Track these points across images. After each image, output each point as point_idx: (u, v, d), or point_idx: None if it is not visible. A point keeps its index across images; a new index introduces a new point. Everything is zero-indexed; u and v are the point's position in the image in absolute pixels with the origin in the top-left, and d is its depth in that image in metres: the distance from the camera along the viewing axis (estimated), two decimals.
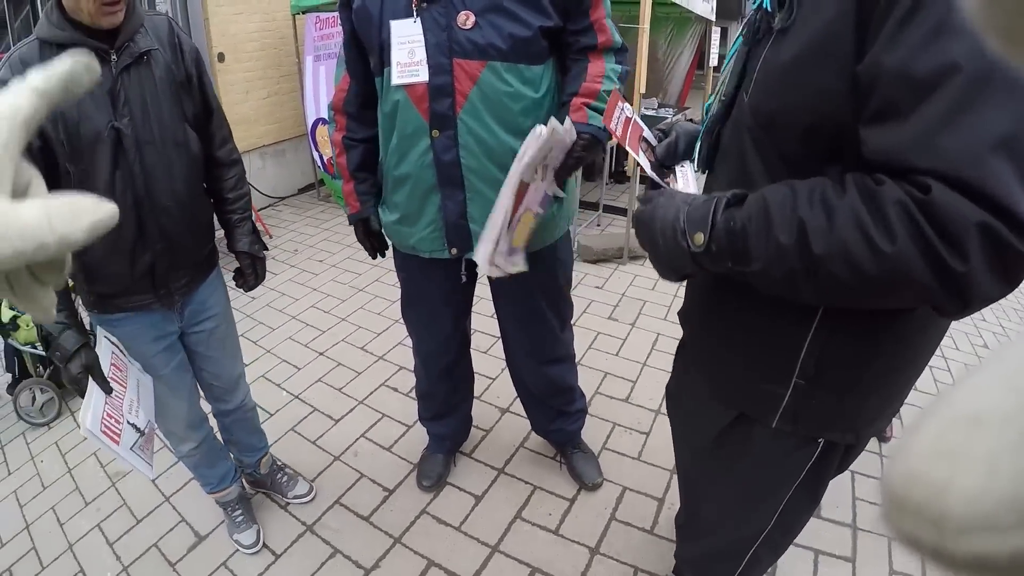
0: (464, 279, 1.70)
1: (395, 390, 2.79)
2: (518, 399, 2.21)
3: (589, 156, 1.48)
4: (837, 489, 2.12)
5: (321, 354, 3.10)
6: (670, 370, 1.41)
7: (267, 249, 1.89)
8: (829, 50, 0.73)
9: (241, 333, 2.45)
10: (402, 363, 2.93)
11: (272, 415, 2.65)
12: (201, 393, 1.88)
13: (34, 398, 2.95)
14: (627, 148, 1.13)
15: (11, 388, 3.02)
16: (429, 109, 1.45)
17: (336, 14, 4.77)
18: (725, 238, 0.79)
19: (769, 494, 1.11)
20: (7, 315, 2.95)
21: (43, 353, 2.94)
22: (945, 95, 0.63)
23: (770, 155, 0.86)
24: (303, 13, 5.17)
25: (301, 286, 3.82)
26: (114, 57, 1.42)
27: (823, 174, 0.77)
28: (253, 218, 1.80)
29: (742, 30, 0.96)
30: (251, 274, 1.78)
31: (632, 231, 4.11)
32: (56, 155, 1.38)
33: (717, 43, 7.28)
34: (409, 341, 2.02)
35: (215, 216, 1.75)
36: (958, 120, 0.63)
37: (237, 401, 1.95)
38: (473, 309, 1.97)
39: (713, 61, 7.15)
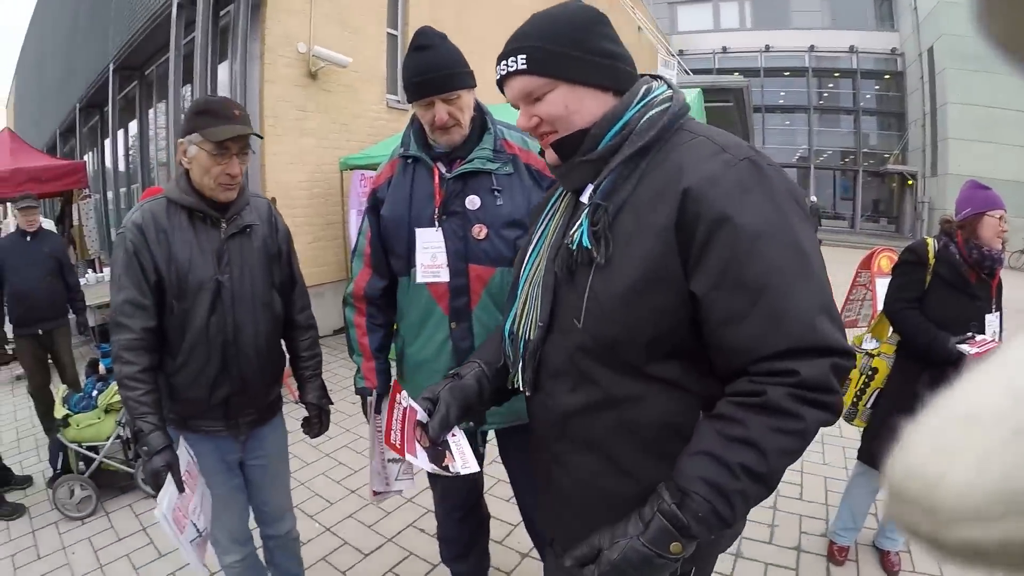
0: (481, 447, 1.90)
1: (422, 531, 2.95)
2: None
3: None
4: None
5: (353, 491, 3.29)
6: None
7: (332, 403, 2.11)
8: (661, 276, 0.94)
9: None
10: (429, 506, 3.07)
11: (304, 544, 2.77)
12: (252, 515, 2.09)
13: (72, 492, 3.18)
14: (406, 456, 1.11)
15: (51, 481, 3.28)
16: (449, 305, 1.70)
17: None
18: (702, 529, 0.88)
19: None
20: (60, 412, 3.26)
21: (87, 452, 3.22)
22: (771, 294, 0.88)
23: (614, 365, 1.01)
24: (350, 169, 5.69)
25: (335, 425, 3.96)
26: (224, 225, 1.77)
27: (666, 370, 0.98)
28: (322, 376, 2.09)
29: (555, 263, 1.08)
30: (317, 423, 2.03)
31: None
32: (166, 291, 1.71)
33: None
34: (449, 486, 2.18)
35: (286, 368, 2.05)
36: (788, 308, 0.88)
37: (283, 529, 2.14)
38: (496, 460, 2.16)
39: None
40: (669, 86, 1.07)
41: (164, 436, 1.65)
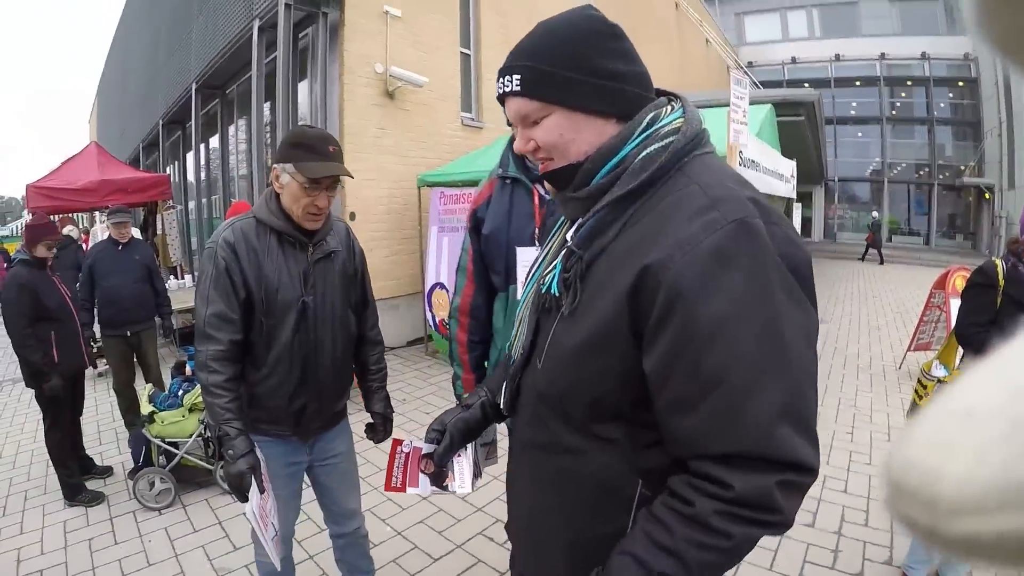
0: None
1: (491, 539, 2.98)
2: None
3: None
4: None
5: (424, 499, 3.31)
6: None
7: (394, 411, 2.24)
8: (610, 339, 0.87)
9: None
10: (498, 515, 3.13)
11: (376, 546, 2.88)
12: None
13: (152, 484, 3.38)
14: (407, 491, 1.32)
15: (132, 473, 3.51)
16: None
17: (461, 191, 5.38)
18: None
19: None
20: (146, 409, 3.46)
21: (169, 447, 3.42)
22: (727, 389, 0.78)
23: (562, 414, 0.97)
24: (428, 186, 5.76)
25: (408, 434, 4.10)
26: (310, 249, 1.88)
27: (609, 431, 0.92)
28: (386, 387, 2.20)
29: (532, 296, 1.08)
30: (381, 430, 2.13)
31: None
32: (254, 307, 1.82)
33: (798, 219, 7.57)
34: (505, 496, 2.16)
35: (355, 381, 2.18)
36: (744, 408, 0.78)
37: (352, 527, 2.21)
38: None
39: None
40: (684, 111, 0.94)
41: (248, 441, 1.75)
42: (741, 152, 4.65)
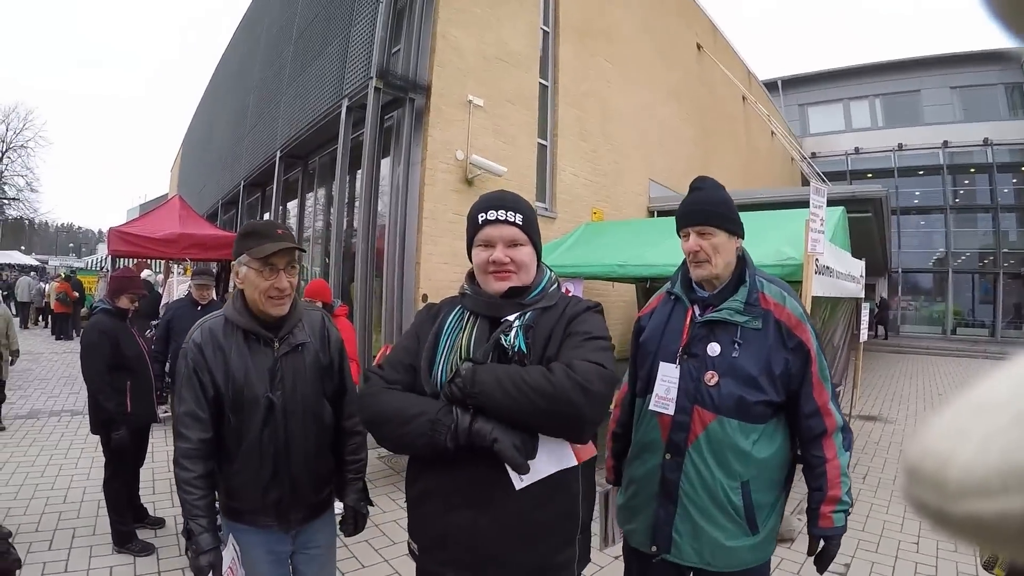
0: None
1: None
2: None
3: (833, 553, 1.78)
4: None
5: None
6: None
7: (372, 504, 2.19)
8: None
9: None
10: None
11: None
12: None
13: None
14: None
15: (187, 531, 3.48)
16: (669, 436, 1.81)
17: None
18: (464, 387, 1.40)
19: None
20: None
21: None
22: (584, 342, 1.45)
23: None
24: None
25: (405, 530, 4.01)
26: (276, 344, 1.91)
27: None
28: (364, 479, 2.15)
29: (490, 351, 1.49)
30: (352, 525, 2.10)
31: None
32: (223, 404, 1.86)
33: (866, 319, 7.43)
34: None
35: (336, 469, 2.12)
36: (586, 346, 1.44)
37: None
38: None
39: (863, 336, 7.26)
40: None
41: (212, 538, 1.81)
42: (817, 260, 4.65)
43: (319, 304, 4.57)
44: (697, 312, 1.84)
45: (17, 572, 2.81)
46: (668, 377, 1.82)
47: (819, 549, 1.80)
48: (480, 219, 1.55)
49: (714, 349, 1.78)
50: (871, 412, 9.12)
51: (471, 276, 1.64)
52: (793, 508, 4.68)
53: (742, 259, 1.86)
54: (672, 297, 1.95)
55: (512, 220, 1.52)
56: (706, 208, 1.82)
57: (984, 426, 0.26)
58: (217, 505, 1.96)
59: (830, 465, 1.76)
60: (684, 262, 1.93)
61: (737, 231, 1.84)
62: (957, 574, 3.75)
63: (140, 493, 4.09)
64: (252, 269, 1.84)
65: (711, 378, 1.75)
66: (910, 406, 9.79)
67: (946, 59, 26.66)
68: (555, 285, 1.61)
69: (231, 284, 8.72)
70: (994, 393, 0.27)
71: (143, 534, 3.76)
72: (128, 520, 3.71)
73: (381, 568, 3.60)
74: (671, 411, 1.80)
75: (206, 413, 1.85)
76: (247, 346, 1.89)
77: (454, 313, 1.60)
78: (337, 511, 2.12)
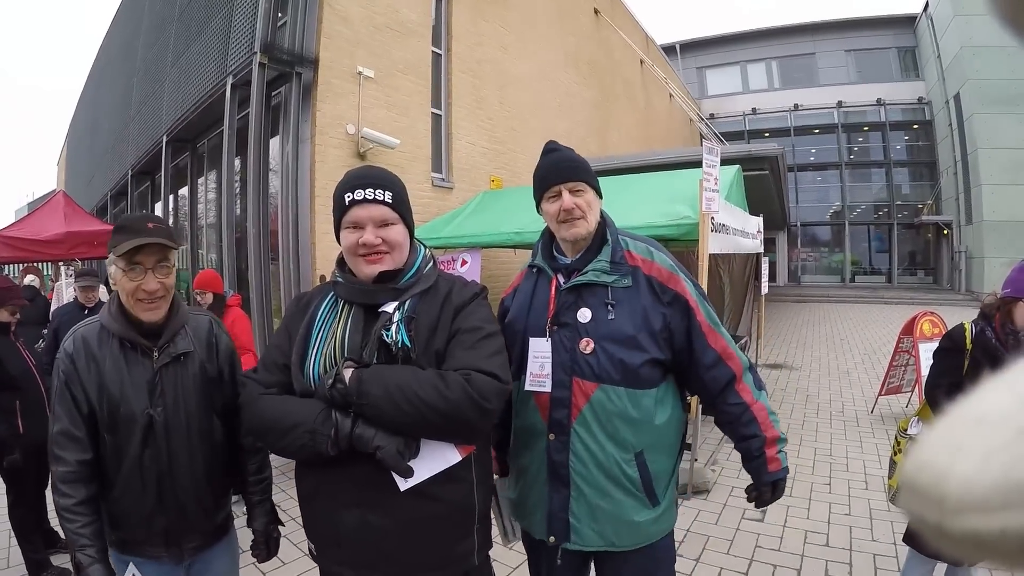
0: (559, 563, 1.79)
1: None
2: None
3: (782, 491, 1.75)
4: None
5: None
6: None
7: (282, 524, 2.00)
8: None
9: None
10: None
11: None
12: None
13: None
14: None
15: None
16: (549, 416, 1.70)
17: (453, 256, 5.36)
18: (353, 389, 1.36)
19: None
20: None
21: None
22: (478, 343, 1.43)
23: None
24: None
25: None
26: (156, 354, 1.69)
27: None
28: (271, 498, 1.96)
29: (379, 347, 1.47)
30: (264, 551, 1.91)
31: (694, 465, 4.20)
32: (98, 423, 1.64)
33: (766, 273, 7.74)
34: None
35: (235, 490, 1.94)
36: (481, 348, 1.43)
37: None
38: None
39: (764, 289, 7.57)
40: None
41: (104, 570, 1.60)
42: (712, 219, 4.74)
43: (209, 296, 4.32)
44: (562, 280, 1.74)
45: None
46: (540, 352, 1.71)
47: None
48: (347, 199, 1.47)
49: (585, 315, 1.67)
50: (777, 360, 9.61)
51: (341, 261, 1.55)
52: (706, 460, 4.87)
53: (602, 221, 1.79)
54: (534, 270, 1.83)
55: (381, 198, 1.46)
56: (574, 164, 1.75)
57: (985, 441, 0.25)
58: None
59: (755, 407, 1.70)
60: (544, 232, 1.85)
61: (599, 191, 1.78)
62: (869, 511, 3.97)
63: (49, 516, 3.73)
64: (119, 268, 1.62)
65: (586, 345, 1.65)
66: (814, 352, 10.39)
67: (841, 24, 28.19)
68: (430, 263, 1.56)
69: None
70: (994, 407, 0.27)
71: (58, 560, 3.49)
72: (39, 547, 3.43)
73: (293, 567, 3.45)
74: (548, 388, 1.69)
75: (82, 432, 1.63)
76: (123, 356, 1.67)
77: (326, 302, 1.53)
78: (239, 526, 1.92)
